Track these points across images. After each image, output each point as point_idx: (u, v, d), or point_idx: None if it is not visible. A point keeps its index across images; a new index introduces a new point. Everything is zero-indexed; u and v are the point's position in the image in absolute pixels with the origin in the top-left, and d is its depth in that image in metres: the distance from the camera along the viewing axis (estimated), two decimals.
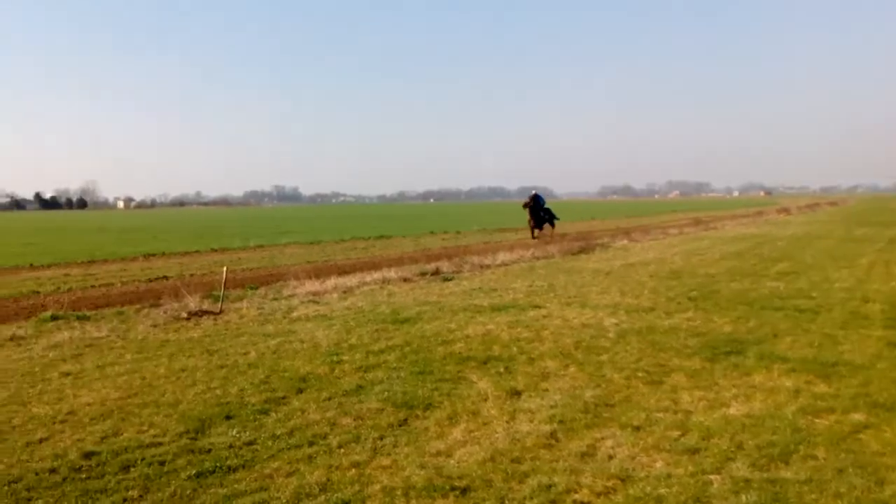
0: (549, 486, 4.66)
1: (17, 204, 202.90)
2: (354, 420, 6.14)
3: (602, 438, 5.57)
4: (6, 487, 4.82)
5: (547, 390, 6.91)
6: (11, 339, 9.97)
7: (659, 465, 5.04)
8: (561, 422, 5.93)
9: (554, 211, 32.42)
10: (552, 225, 31.95)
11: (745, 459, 5.10)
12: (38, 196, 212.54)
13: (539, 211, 30.37)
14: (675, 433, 5.67)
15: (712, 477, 4.81)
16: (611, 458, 5.18)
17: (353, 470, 5.02)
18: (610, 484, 4.72)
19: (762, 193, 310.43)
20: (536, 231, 30.47)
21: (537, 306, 11.83)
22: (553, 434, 5.65)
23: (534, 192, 30.69)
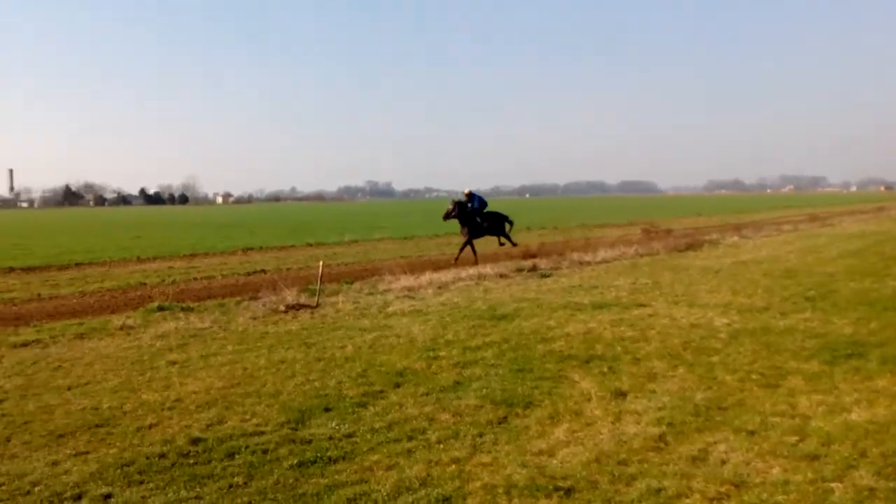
0: (659, 490, 4.56)
1: (123, 199, 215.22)
2: (453, 416, 6.19)
3: (714, 442, 5.41)
4: (119, 470, 5.12)
5: (654, 392, 6.77)
6: (121, 328, 10.60)
7: (776, 471, 4.86)
8: (670, 424, 5.79)
9: (509, 215, 22.61)
10: (503, 235, 22.08)
11: (869, 467, 4.85)
12: (142, 192, 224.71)
13: (474, 217, 20.94)
14: (793, 438, 5.46)
15: (833, 485, 4.60)
16: (724, 462, 5.02)
17: (453, 466, 5.06)
18: (723, 489, 4.58)
19: (882, 188, 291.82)
20: (466, 248, 21.00)
21: (642, 305, 11.60)
22: (662, 437, 5.53)
23: (466, 191, 21.34)
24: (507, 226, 22.14)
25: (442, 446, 5.46)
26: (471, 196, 21.15)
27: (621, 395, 6.70)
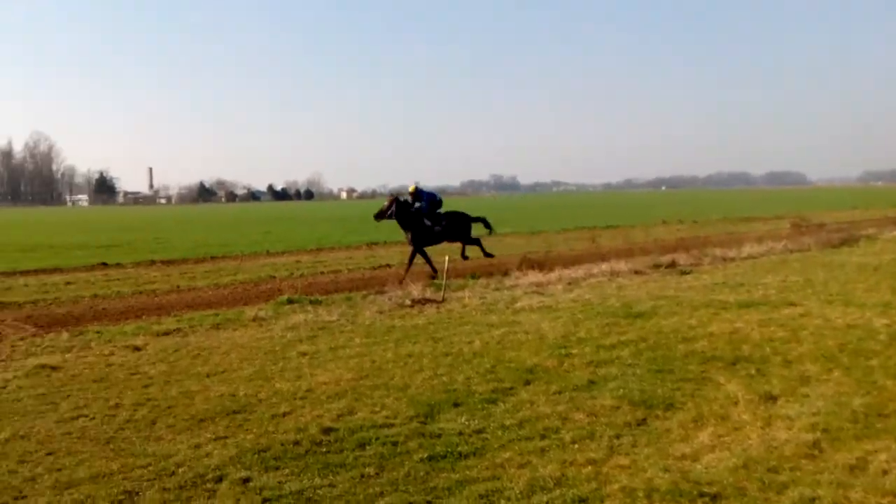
0: (813, 500, 4.38)
1: (252, 195, 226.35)
2: (587, 416, 6.14)
3: (874, 451, 5.14)
4: (256, 455, 5.43)
5: (807, 396, 6.48)
6: (254, 319, 11.20)
7: None
8: (825, 431, 5.54)
9: (486, 216, 18.43)
10: (469, 242, 17.64)
11: None
12: (270, 188, 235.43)
13: (421, 219, 16.74)
14: None
15: None
16: (885, 473, 4.78)
17: (589, 467, 5.02)
18: (885, 501, 4.36)
19: None
20: (414, 255, 16.93)
21: (793, 304, 11.09)
22: (816, 443, 5.29)
23: (412, 188, 17.48)
24: (486, 230, 18.27)
25: (577, 446, 5.44)
26: (417, 193, 17.20)
27: (771, 398, 6.45)
